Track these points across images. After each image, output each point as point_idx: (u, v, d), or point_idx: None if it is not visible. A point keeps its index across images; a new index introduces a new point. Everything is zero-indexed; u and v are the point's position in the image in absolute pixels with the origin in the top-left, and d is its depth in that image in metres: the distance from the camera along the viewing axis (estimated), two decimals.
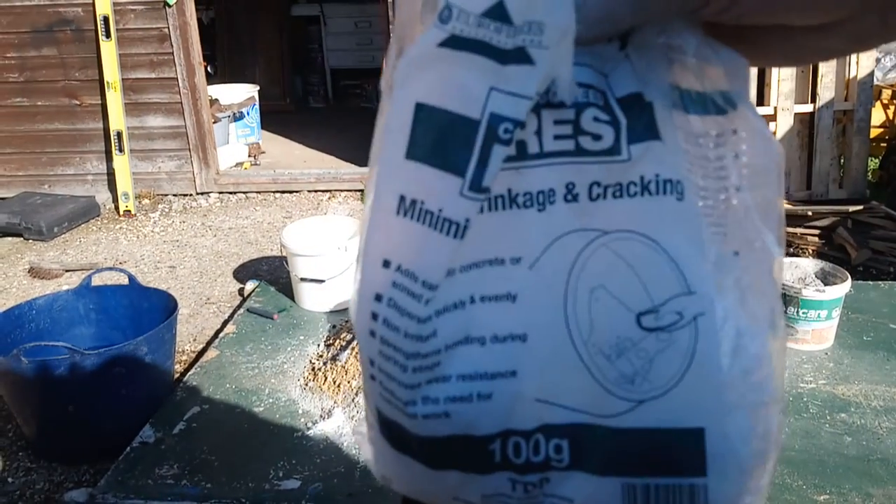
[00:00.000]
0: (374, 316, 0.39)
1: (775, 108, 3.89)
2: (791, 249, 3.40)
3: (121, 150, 4.24)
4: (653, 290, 0.38)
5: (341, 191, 4.51)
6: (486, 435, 0.40)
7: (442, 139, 0.37)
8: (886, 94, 4.63)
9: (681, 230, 0.39)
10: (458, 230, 0.37)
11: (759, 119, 0.39)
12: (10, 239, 3.88)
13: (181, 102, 4.28)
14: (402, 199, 0.38)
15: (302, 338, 2.53)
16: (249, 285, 3.06)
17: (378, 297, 0.39)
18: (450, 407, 0.40)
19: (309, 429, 2.01)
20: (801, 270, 2.39)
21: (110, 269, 2.58)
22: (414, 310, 0.38)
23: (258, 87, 5.41)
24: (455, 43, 0.35)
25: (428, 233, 0.37)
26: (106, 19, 4.06)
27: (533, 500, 0.42)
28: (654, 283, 0.39)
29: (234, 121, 5.08)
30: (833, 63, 3.77)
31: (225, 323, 2.80)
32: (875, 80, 4.20)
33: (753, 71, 3.42)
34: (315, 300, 2.74)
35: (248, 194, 4.52)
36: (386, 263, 0.39)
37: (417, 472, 0.42)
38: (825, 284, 2.27)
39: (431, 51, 0.35)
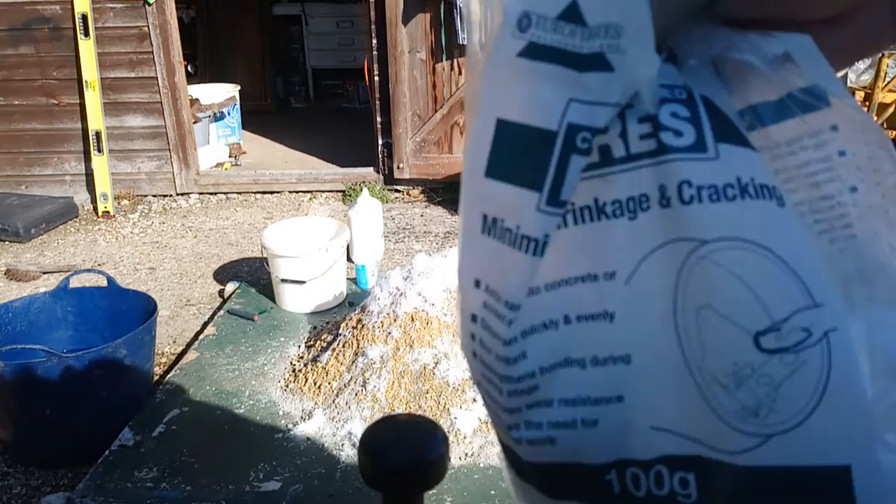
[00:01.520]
0: (473, 336, 0.38)
1: None
2: None
3: (99, 150, 4.20)
4: (771, 305, 0.34)
5: (322, 191, 4.50)
6: (599, 464, 0.37)
7: (519, 154, 0.35)
8: (859, 95, 4.70)
9: (791, 236, 0.34)
10: (536, 247, 0.35)
11: (858, 110, 0.35)
12: None
13: (161, 102, 4.25)
14: (485, 217, 0.36)
15: (282, 339, 2.53)
16: (230, 287, 3.05)
17: (473, 318, 0.37)
18: (554, 433, 0.38)
19: (289, 430, 2.01)
20: None
21: (89, 270, 2.56)
22: (499, 331, 0.36)
23: (239, 87, 5.38)
24: (533, 52, 0.33)
25: (507, 251, 0.36)
26: (84, 17, 4.02)
27: None
28: (771, 295, 0.34)
29: (215, 121, 5.05)
30: None
31: (205, 325, 2.79)
32: (848, 82, 4.27)
33: None
34: (296, 301, 2.73)
35: (229, 195, 4.50)
36: (477, 283, 0.37)
37: (540, 502, 0.40)
38: None
39: (511, 62, 0.34)
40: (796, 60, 0.35)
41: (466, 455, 1.88)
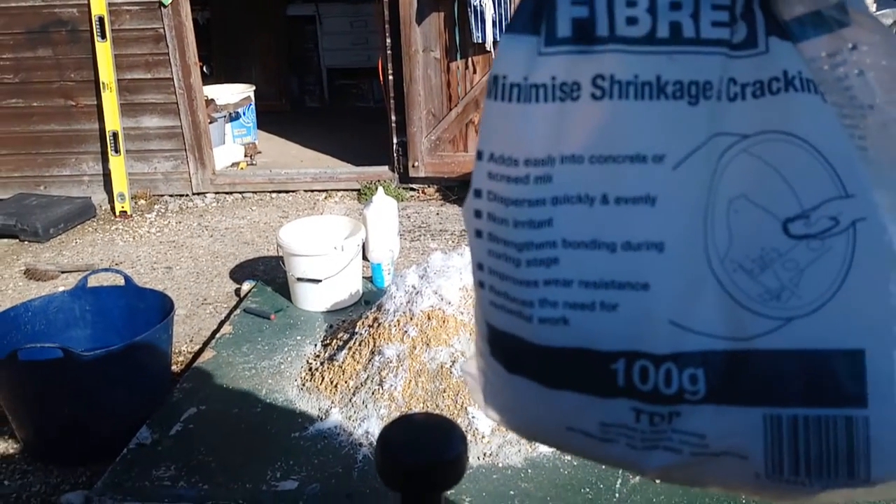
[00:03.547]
0: (478, 213, 0.37)
1: None
2: None
3: (116, 150, 4.23)
4: (802, 194, 0.34)
5: (337, 190, 4.50)
6: (609, 351, 0.37)
7: (524, 4, 0.35)
8: None
9: (832, 130, 0.34)
10: (547, 92, 0.34)
11: (878, 26, 0.34)
12: (5, 241, 3.87)
13: (177, 103, 4.27)
14: (496, 79, 0.35)
15: (299, 338, 2.53)
16: (246, 285, 3.06)
17: (477, 193, 0.37)
18: (569, 313, 0.37)
19: (306, 429, 2.01)
20: None
21: (106, 270, 2.58)
22: (520, 194, 0.35)
23: (254, 87, 5.40)
24: None
25: (517, 108, 0.35)
26: (101, 20, 4.05)
27: (659, 434, 0.37)
28: (803, 185, 0.34)
29: (230, 121, 5.07)
30: None
31: (221, 323, 2.79)
32: None
33: None
34: (312, 300, 2.73)
35: (245, 194, 4.51)
36: (479, 155, 0.36)
37: (531, 396, 0.39)
38: None
39: None
40: None
41: (485, 455, 1.87)
